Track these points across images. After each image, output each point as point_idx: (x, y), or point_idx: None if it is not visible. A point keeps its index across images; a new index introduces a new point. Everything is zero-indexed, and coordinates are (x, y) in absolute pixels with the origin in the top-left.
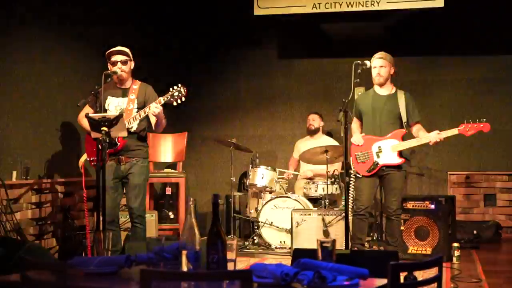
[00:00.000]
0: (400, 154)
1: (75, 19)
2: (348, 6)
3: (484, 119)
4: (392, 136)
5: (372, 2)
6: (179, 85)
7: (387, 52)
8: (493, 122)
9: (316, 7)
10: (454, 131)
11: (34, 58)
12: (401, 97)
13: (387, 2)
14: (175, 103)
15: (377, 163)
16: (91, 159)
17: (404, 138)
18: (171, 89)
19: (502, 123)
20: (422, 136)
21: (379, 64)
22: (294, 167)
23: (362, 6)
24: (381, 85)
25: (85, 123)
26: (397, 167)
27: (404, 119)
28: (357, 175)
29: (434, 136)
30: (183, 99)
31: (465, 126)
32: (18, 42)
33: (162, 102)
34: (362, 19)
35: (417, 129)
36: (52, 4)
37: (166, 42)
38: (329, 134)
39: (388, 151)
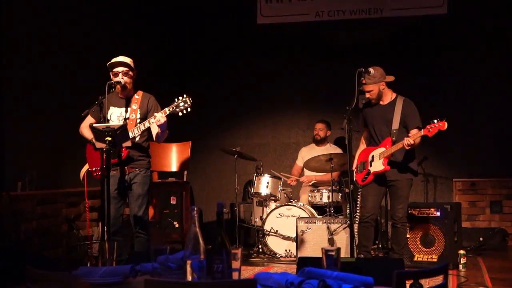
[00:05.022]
0: (388, 161)
1: (78, 31)
2: (351, 14)
3: (445, 118)
4: (382, 144)
5: (376, 10)
6: (185, 95)
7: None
8: (498, 128)
9: (319, 15)
10: (420, 133)
11: (38, 70)
12: (399, 105)
13: (391, 10)
14: (180, 114)
15: (370, 172)
16: (93, 169)
17: (393, 143)
18: (176, 99)
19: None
20: (400, 142)
21: (366, 90)
22: (297, 175)
23: (366, 13)
24: (377, 102)
25: (87, 133)
26: (403, 175)
27: (395, 126)
28: (357, 184)
29: (405, 140)
30: (189, 109)
31: (429, 127)
32: (24, 55)
33: (168, 112)
34: (366, 27)
35: (412, 134)
36: (56, 14)
37: (169, 51)
38: (336, 141)
39: (377, 159)
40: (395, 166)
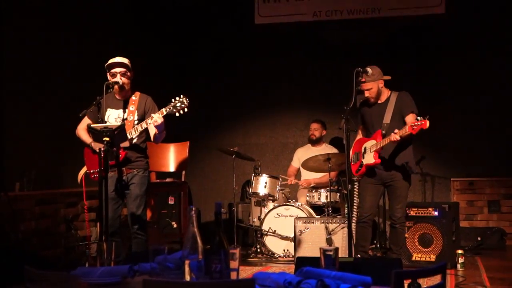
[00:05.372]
0: (378, 155)
1: (79, 29)
2: (349, 14)
3: (428, 116)
4: (373, 137)
5: (373, 9)
6: (181, 95)
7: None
8: (496, 128)
9: (316, 15)
10: (406, 129)
11: (38, 71)
12: (393, 99)
13: (389, 9)
14: (177, 114)
15: (362, 164)
16: (92, 171)
17: (384, 137)
18: (173, 100)
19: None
20: (389, 136)
21: (365, 88)
22: (293, 176)
23: (364, 13)
24: (375, 102)
25: (84, 136)
26: (402, 175)
27: (386, 120)
28: (353, 178)
29: (393, 136)
30: (186, 110)
31: (413, 124)
32: (23, 55)
33: (165, 113)
34: (363, 27)
35: (407, 121)
36: (57, 15)
37: (168, 51)
38: (333, 141)
39: (368, 151)
40: (393, 165)
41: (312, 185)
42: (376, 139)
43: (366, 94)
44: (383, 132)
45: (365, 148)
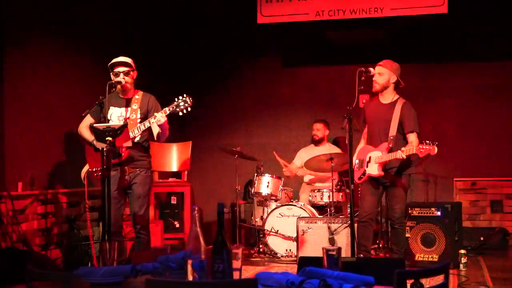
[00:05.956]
0: (382, 168)
1: (79, 29)
2: (351, 13)
3: (436, 142)
4: (379, 148)
5: (376, 9)
6: (185, 95)
7: (392, 59)
8: (498, 128)
9: (319, 15)
10: (413, 150)
11: (38, 70)
12: (398, 108)
13: (391, 9)
14: (180, 113)
15: (365, 172)
16: (94, 169)
17: (390, 151)
18: (176, 99)
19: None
20: (395, 152)
21: (377, 71)
22: (293, 174)
23: (366, 13)
24: (377, 92)
25: (86, 134)
26: (400, 176)
27: (392, 132)
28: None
29: (399, 153)
30: (189, 109)
31: (421, 147)
32: (23, 54)
33: (168, 112)
34: (366, 26)
35: (409, 140)
36: (56, 16)
37: (170, 51)
38: (336, 140)
39: (373, 162)
40: (393, 170)
41: (296, 172)
42: (381, 151)
43: (375, 77)
44: (390, 146)
45: (369, 157)
